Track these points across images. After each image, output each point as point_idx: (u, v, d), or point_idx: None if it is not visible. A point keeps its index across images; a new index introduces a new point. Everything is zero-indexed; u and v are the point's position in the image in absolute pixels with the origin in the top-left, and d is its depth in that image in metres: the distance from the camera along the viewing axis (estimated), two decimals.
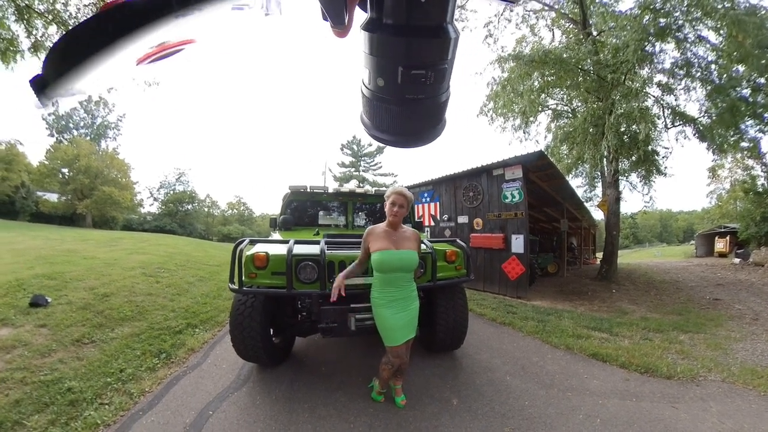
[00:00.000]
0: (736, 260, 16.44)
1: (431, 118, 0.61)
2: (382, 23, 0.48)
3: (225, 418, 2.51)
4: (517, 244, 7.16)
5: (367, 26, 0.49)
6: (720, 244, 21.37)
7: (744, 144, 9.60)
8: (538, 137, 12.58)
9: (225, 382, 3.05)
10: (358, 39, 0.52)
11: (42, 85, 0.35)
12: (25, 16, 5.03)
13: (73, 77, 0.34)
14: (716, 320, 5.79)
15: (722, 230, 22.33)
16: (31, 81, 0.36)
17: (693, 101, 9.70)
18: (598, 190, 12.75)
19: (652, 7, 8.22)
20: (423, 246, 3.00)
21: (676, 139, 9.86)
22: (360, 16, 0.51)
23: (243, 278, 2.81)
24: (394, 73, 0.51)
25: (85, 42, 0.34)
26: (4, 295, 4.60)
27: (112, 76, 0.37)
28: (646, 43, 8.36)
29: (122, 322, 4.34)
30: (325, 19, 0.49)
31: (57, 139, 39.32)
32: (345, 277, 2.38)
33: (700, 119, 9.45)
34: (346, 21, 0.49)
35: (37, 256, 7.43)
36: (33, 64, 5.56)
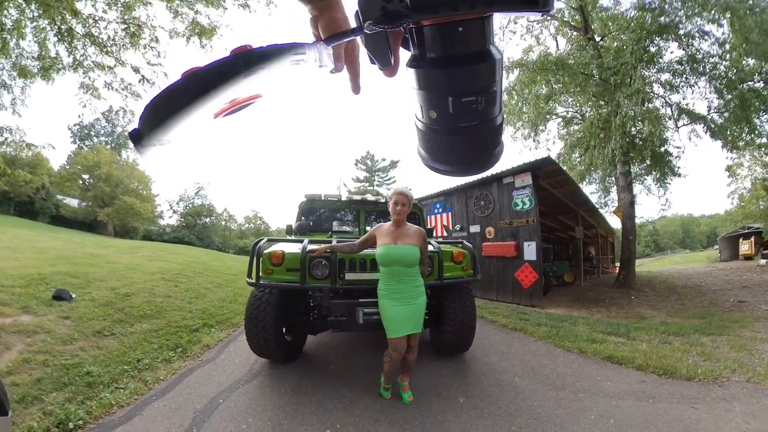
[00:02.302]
0: (763, 261, 15.62)
1: (488, 143, 0.61)
2: (425, 58, 0.49)
3: (234, 407, 2.58)
4: (530, 251, 7.07)
5: (412, 63, 0.51)
6: (744, 246, 20.34)
7: (763, 140, 9.29)
8: (548, 144, 12.51)
9: (237, 375, 3.14)
10: (407, 76, 0.54)
11: (138, 138, 0.42)
12: (67, 38, 5.52)
13: (163, 131, 0.41)
14: (741, 322, 5.57)
15: (746, 231, 21.29)
16: (129, 133, 0.43)
17: (701, 98, 9.55)
18: (613, 195, 12.47)
19: (647, 7, 8.21)
20: (430, 247, 3.07)
21: (689, 139, 9.72)
22: (405, 54, 0.53)
23: (260, 274, 2.95)
24: (445, 104, 0.51)
25: (169, 102, 0.41)
26: (26, 286, 4.84)
27: (193, 130, 0.44)
28: (647, 42, 8.33)
29: (141, 319, 4.51)
30: (372, 62, 0.51)
31: (78, 145, 40.59)
32: (336, 248, 2.71)
33: (710, 116, 9.24)
34: (392, 61, 0.51)
35: (59, 255, 7.77)
36: (72, 79, 6.06)
